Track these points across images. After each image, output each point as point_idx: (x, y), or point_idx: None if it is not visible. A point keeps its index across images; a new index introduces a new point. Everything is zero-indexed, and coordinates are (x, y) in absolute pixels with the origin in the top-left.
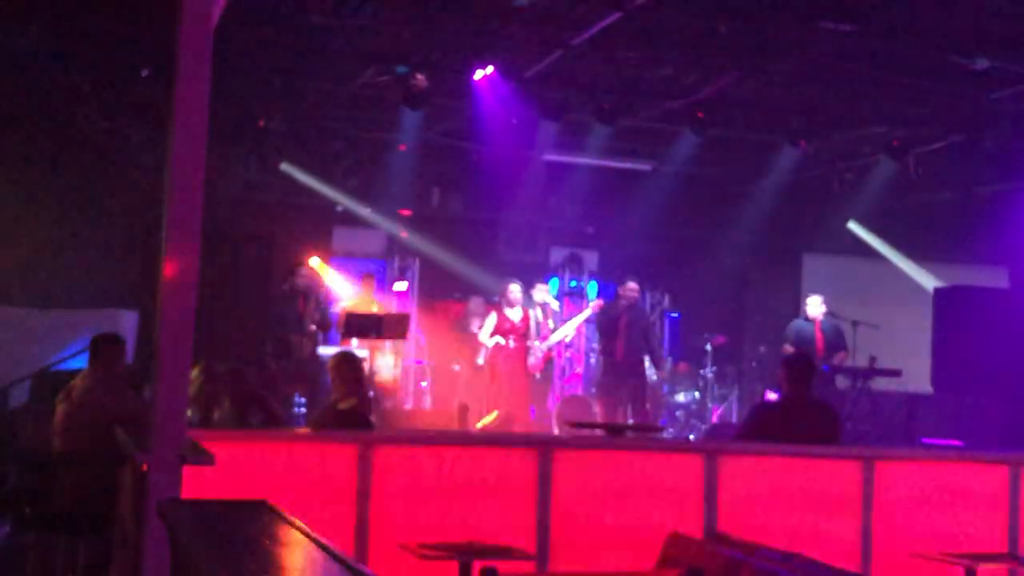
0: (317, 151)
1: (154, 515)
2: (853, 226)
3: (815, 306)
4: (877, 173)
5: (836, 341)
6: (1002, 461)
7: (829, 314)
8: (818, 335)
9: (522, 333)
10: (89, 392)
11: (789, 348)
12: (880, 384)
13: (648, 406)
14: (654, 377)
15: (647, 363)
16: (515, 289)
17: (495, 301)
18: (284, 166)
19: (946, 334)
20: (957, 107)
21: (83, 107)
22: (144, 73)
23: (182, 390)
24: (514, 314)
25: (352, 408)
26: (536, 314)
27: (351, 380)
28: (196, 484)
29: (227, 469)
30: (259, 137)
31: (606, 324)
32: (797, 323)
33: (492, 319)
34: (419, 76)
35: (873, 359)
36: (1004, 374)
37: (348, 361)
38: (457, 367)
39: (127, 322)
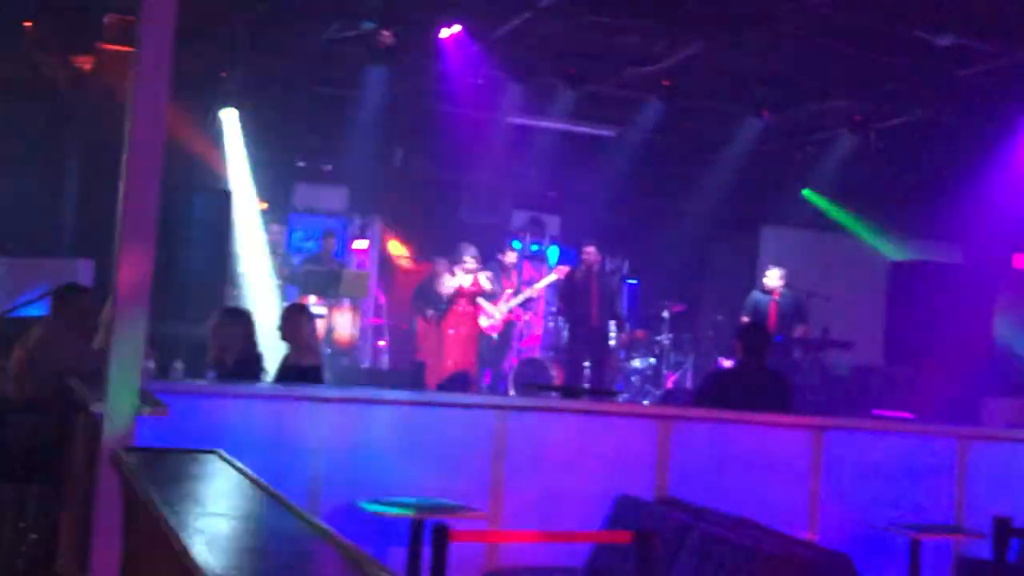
0: (280, 106)
1: (107, 463)
2: (808, 194)
3: (772, 279)
4: (838, 147)
5: (795, 314)
6: (950, 434)
7: (788, 286)
8: (772, 307)
9: (472, 297)
10: (45, 340)
11: (746, 319)
12: (832, 355)
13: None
14: (613, 342)
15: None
16: (469, 254)
17: (451, 264)
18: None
19: (900, 308)
20: (921, 83)
21: (43, 54)
22: (106, 21)
23: (137, 340)
24: (465, 278)
25: (304, 363)
26: (485, 278)
27: (305, 333)
28: (150, 436)
29: (182, 421)
30: (221, 89)
31: (575, 290)
32: (755, 295)
33: (448, 278)
34: (385, 32)
35: (826, 330)
36: (954, 348)
37: (303, 314)
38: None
39: (83, 270)
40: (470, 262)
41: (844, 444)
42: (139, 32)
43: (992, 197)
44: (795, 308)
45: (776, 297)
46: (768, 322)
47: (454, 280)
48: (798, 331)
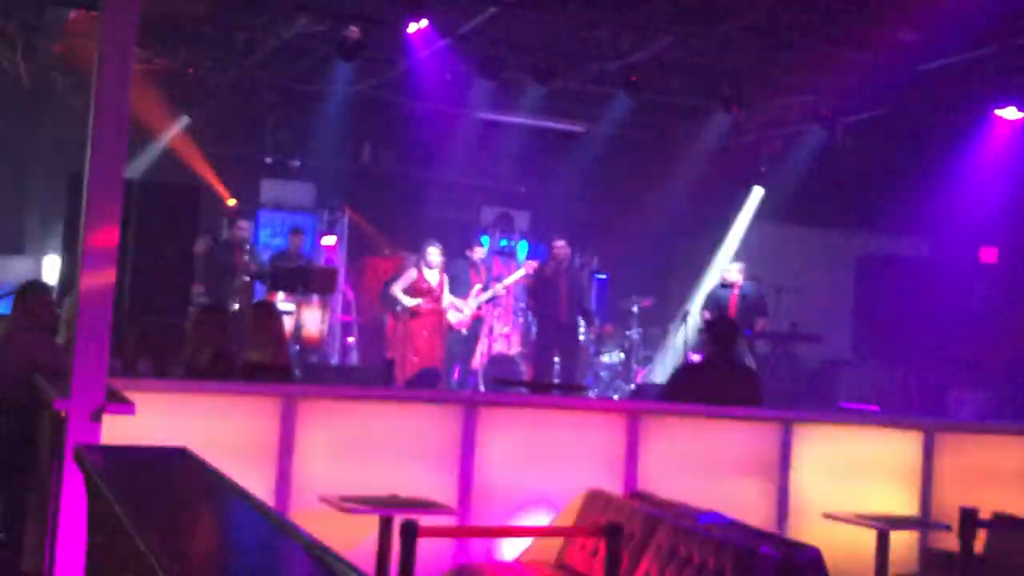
0: (247, 101)
1: (71, 461)
2: (755, 193)
3: (732, 272)
4: (805, 141)
5: (756, 307)
6: (916, 427)
7: (752, 279)
8: (732, 301)
9: (437, 296)
10: (9, 338)
11: (706, 314)
12: (800, 349)
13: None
14: (582, 337)
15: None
16: (433, 252)
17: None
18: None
19: (866, 301)
20: (887, 78)
21: (7, 50)
22: (71, 16)
23: (103, 337)
24: (431, 276)
25: (271, 360)
26: (445, 277)
27: (272, 331)
28: (117, 434)
29: (149, 419)
30: (188, 86)
31: (544, 285)
32: (715, 289)
33: (411, 275)
34: (353, 28)
35: (795, 324)
36: (920, 342)
37: (269, 311)
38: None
39: (49, 268)
40: (434, 254)
41: (812, 438)
42: (102, 27)
43: (958, 191)
44: (756, 301)
45: (737, 291)
46: (729, 316)
47: (413, 275)
48: (758, 324)
